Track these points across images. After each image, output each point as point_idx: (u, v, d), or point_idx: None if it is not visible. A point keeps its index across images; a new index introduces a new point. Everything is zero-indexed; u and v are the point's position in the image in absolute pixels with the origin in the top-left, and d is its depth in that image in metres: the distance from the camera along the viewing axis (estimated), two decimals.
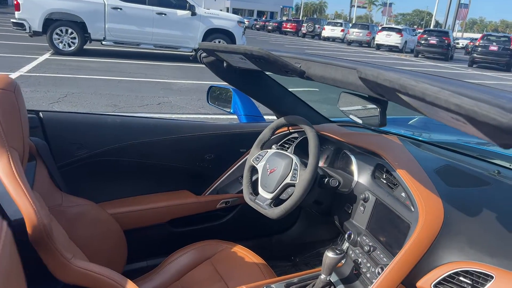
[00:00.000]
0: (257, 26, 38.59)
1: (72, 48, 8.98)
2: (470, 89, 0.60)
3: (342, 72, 1.00)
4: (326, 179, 1.36)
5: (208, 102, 2.27)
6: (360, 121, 1.13)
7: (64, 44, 8.91)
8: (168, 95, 6.29)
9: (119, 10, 8.95)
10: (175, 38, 9.55)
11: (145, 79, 7.45)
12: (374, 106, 1.06)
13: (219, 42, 9.79)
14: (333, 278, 1.28)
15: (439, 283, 1.00)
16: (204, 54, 1.52)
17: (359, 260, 1.27)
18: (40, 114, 1.40)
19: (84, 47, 9.33)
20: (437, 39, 19.98)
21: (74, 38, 8.92)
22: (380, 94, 0.91)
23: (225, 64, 1.47)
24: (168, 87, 6.91)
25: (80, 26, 8.83)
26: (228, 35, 9.90)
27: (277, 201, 1.34)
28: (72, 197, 1.35)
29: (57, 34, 8.76)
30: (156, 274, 1.41)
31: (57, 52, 8.89)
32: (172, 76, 8.05)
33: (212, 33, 9.76)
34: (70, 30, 8.83)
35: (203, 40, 9.61)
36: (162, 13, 9.27)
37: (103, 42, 9.15)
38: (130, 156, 1.60)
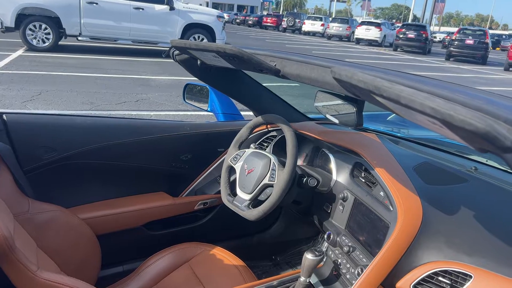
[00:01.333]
0: (238, 20, 38.34)
1: (47, 44, 8.73)
2: (446, 90, 0.57)
3: (318, 71, 0.98)
4: (305, 179, 1.34)
5: (184, 101, 2.22)
6: (336, 121, 1.11)
7: (38, 40, 8.66)
8: (146, 92, 6.18)
9: (94, 4, 8.72)
10: (153, 33, 9.37)
11: (123, 75, 7.29)
12: (350, 105, 1.04)
13: (199, 37, 9.68)
14: (313, 279, 1.26)
15: (418, 283, 0.99)
16: (177, 52, 1.47)
17: (339, 260, 1.26)
18: (4, 116, 1.33)
19: (59, 43, 9.07)
20: (415, 33, 20.22)
21: (49, 33, 8.67)
22: (356, 94, 0.88)
23: (199, 62, 1.42)
24: (146, 84, 6.79)
25: (54, 21, 8.58)
26: (207, 30, 9.78)
27: (255, 202, 1.31)
28: (40, 203, 1.29)
29: (30, 29, 8.50)
30: (132, 280, 1.36)
31: (31, 48, 8.62)
32: (150, 72, 7.91)
33: (191, 28, 9.62)
34: (44, 26, 8.57)
35: (182, 35, 9.48)
36: (140, 8, 9.09)
37: (79, 38, 8.92)
38: (102, 158, 1.54)
